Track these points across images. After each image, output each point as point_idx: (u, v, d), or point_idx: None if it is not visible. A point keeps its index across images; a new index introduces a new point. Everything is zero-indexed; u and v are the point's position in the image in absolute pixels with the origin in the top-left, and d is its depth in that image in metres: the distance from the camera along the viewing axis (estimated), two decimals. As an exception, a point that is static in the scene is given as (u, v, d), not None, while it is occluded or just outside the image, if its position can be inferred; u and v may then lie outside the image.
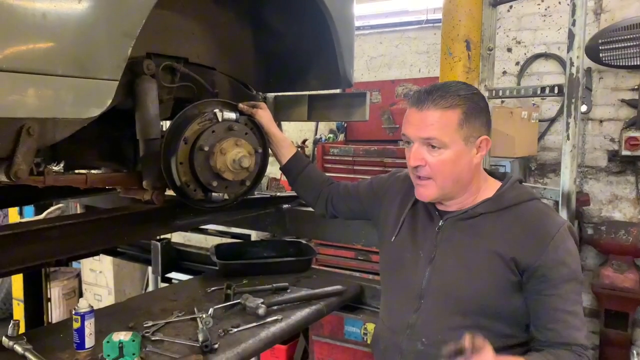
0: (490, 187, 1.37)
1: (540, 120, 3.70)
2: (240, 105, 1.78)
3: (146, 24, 1.26)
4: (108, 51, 1.17)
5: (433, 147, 1.27)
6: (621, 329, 3.35)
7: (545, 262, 1.23)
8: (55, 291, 4.30)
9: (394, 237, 1.46)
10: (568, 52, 1.96)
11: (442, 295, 1.33)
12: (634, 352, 3.18)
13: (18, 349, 1.35)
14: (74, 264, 4.71)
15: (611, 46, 3.26)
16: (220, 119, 1.68)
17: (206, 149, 1.62)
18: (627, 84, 3.51)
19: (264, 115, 1.80)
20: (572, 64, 1.95)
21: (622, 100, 3.52)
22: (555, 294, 1.24)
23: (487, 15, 2.23)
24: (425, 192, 1.33)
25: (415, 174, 1.34)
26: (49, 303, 2.78)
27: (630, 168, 3.54)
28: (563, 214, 1.99)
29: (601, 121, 3.62)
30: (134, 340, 1.19)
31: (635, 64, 3.23)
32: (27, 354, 1.32)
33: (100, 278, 4.59)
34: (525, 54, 3.88)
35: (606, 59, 3.30)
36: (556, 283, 1.23)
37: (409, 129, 1.32)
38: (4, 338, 1.39)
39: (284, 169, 1.84)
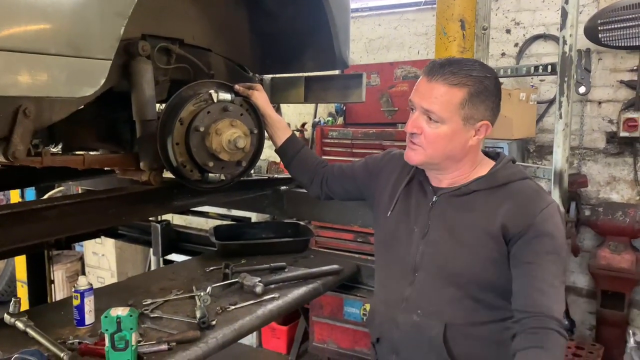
0: (484, 166, 1.39)
1: (538, 102, 3.70)
2: (237, 86, 1.78)
3: (141, 5, 1.27)
4: (101, 31, 1.17)
5: (431, 119, 1.30)
6: (617, 309, 3.38)
7: (531, 231, 1.25)
8: (58, 274, 4.35)
9: (389, 213, 1.49)
10: (560, 30, 1.96)
11: (436, 268, 1.36)
12: (630, 332, 3.22)
13: (20, 325, 1.39)
14: (77, 248, 4.76)
15: (610, 26, 3.23)
16: (215, 100, 1.68)
17: (202, 129, 1.63)
18: (626, 65, 3.49)
19: (260, 97, 1.80)
20: (565, 43, 1.95)
21: (621, 82, 3.51)
22: (535, 262, 1.25)
23: (481, -6, 2.23)
24: (414, 156, 1.37)
25: (409, 139, 1.37)
26: (52, 285, 2.82)
27: (628, 149, 3.55)
28: (555, 193, 2.00)
29: (600, 102, 3.61)
30: (131, 316, 1.21)
31: (634, 44, 3.21)
32: (29, 330, 1.36)
33: (102, 261, 4.64)
34: (524, 35, 3.85)
35: (605, 39, 3.28)
36: (538, 252, 1.25)
37: (414, 96, 1.35)
38: (5, 315, 1.43)
39: (279, 150, 1.85)
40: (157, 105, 1.75)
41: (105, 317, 1.20)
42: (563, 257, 1.30)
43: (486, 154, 1.44)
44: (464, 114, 1.29)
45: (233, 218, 3.91)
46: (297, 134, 3.64)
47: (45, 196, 2.83)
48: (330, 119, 4.39)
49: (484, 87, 1.29)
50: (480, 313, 1.33)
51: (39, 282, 2.75)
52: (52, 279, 2.83)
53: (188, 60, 1.79)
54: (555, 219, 1.28)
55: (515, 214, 1.28)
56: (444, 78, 1.28)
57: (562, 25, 1.96)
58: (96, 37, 1.17)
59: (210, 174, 1.74)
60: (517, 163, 1.44)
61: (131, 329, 1.21)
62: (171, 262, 2.77)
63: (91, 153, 1.94)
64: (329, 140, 3.73)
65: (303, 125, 4.41)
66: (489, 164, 1.40)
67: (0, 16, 1.02)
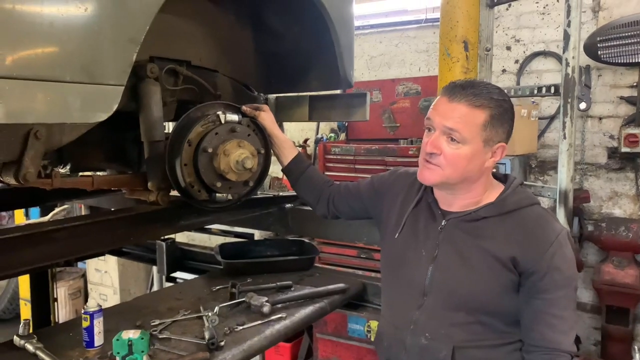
0: (494, 190, 1.39)
1: (540, 118, 3.72)
2: (244, 107, 1.81)
3: (149, 28, 1.29)
4: (114, 57, 1.19)
5: (452, 139, 1.29)
6: (622, 324, 3.37)
7: (541, 268, 1.26)
8: (61, 291, 4.34)
9: (397, 235, 1.48)
10: (563, 52, 1.99)
11: (445, 292, 1.35)
12: (636, 347, 3.18)
13: (29, 347, 1.38)
14: (80, 264, 4.76)
15: (609, 44, 3.27)
16: (223, 121, 1.71)
17: (210, 150, 1.65)
18: (626, 81, 3.52)
19: (267, 118, 1.82)
20: (567, 64, 1.98)
21: (621, 98, 3.54)
22: (545, 297, 1.27)
23: (484, 16, 2.26)
24: (430, 176, 1.35)
25: (426, 158, 1.35)
26: (56, 303, 2.82)
27: (629, 165, 3.56)
28: (560, 212, 2.01)
29: (600, 118, 3.64)
30: (142, 338, 1.22)
31: (633, 61, 3.25)
32: (39, 352, 1.36)
33: (105, 278, 4.63)
34: (524, 52, 3.89)
35: (605, 56, 3.32)
36: (548, 288, 1.26)
37: (435, 116, 1.33)
38: (15, 337, 1.42)
39: (285, 170, 1.86)
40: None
41: (117, 340, 1.21)
42: (573, 285, 1.31)
43: (494, 175, 1.44)
44: (485, 136, 1.29)
45: (236, 234, 3.90)
46: (300, 149, 3.67)
47: (49, 215, 2.85)
48: (332, 135, 4.41)
49: (503, 110, 1.31)
50: (488, 336, 1.33)
51: (42, 301, 2.74)
52: (56, 297, 2.83)
53: (195, 82, 1.82)
54: (565, 250, 1.29)
55: (526, 248, 1.28)
56: (467, 99, 1.28)
57: (565, 48, 1.99)
58: (109, 63, 1.19)
59: (217, 194, 1.75)
60: (524, 184, 1.45)
61: (142, 351, 1.21)
62: (174, 279, 2.76)
63: (99, 173, 1.96)
64: (331, 157, 3.75)
65: (305, 141, 4.43)
66: (499, 187, 1.40)
67: (16, 45, 1.04)
